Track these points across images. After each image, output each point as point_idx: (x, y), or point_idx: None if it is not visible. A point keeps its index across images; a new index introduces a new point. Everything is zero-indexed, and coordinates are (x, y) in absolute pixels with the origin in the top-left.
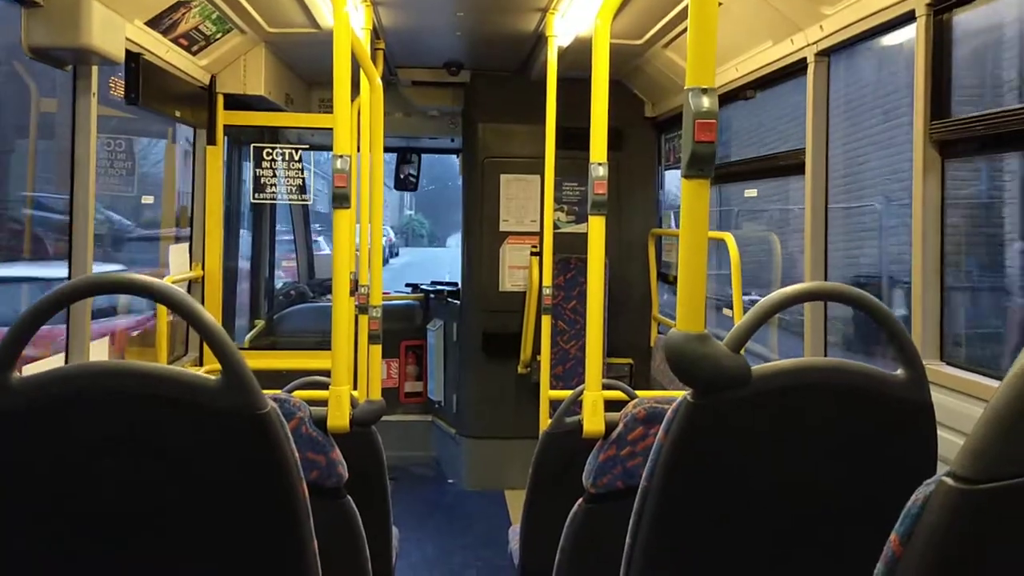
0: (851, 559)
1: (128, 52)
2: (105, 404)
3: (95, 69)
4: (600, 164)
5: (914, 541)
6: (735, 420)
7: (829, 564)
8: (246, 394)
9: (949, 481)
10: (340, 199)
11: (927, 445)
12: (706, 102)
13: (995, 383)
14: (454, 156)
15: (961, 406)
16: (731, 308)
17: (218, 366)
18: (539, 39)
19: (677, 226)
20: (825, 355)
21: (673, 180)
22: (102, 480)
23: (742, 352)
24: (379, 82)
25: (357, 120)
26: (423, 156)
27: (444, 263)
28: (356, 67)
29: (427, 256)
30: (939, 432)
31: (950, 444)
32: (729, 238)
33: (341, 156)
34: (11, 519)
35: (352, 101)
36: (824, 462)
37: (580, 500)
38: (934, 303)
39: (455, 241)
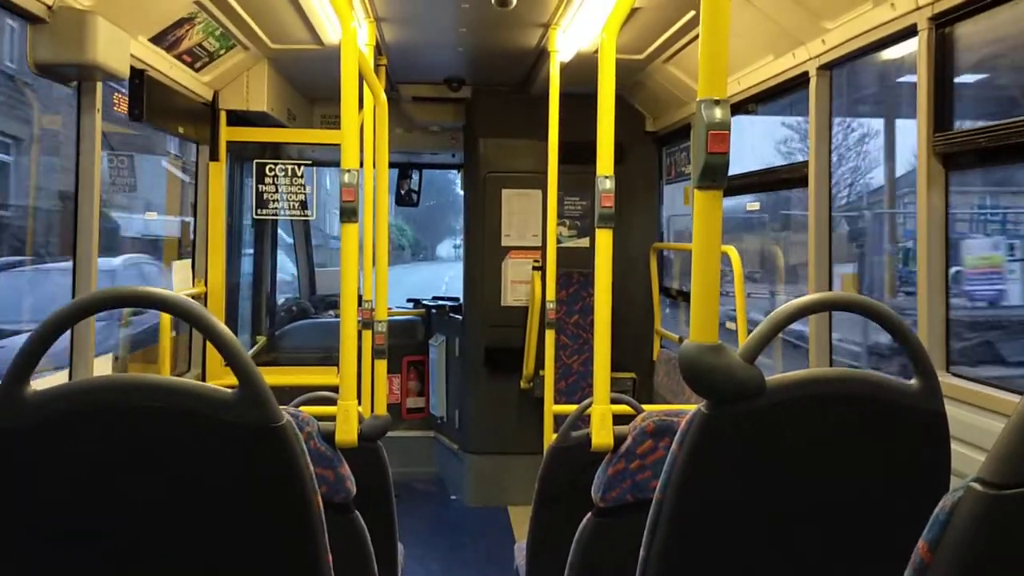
0: (869, 567)
1: (132, 68)
2: (120, 418)
3: (99, 85)
4: (607, 177)
5: (943, 547)
6: (749, 431)
7: (848, 573)
8: (262, 407)
9: (977, 487)
10: (348, 213)
11: (941, 454)
12: (719, 113)
13: (1000, 393)
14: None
15: (967, 416)
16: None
17: (222, 382)
18: (541, 54)
19: (678, 240)
20: (831, 365)
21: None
22: (116, 494)
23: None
24: (384, 98)
25: (360, 135)
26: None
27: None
28: (360, 82)
29: (407, 282)
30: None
31: (956, 454)
32: (732, 251)
33: (348, 171)
34: (26, 534)
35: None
36: (839, 471)
37: (589, 514)
38: (939, 314)
39: (448, 251)
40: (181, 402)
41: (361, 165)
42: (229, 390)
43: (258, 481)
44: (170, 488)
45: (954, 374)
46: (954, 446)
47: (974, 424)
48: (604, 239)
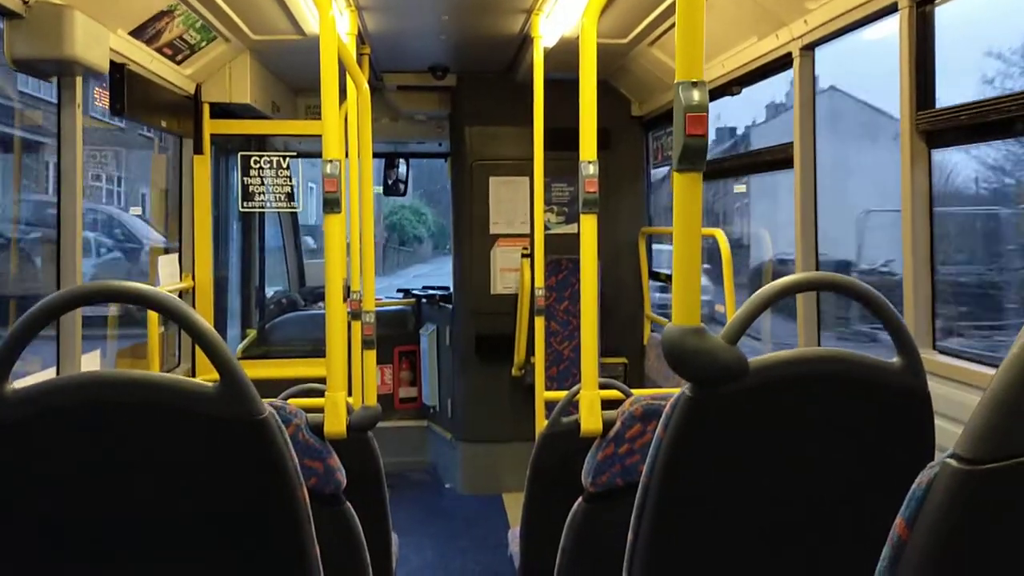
0: (854, 546)
1: (112, 62)
2: (101, 415)
3: (79, 80)
4: (590, 162)
5: (919, 524)
6: (734, 413)
7: (833, 552)
8: (243, 400)
9: (953, 463)
10: (331, 204)
11: (925, 431)
12: (696, 95)
13: (987, 370)
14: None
15: (954, 393)
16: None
17: (212, 376)
18: (524, 40)
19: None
20: (818, 345)
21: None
22: (99, 490)
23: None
24: (366, 87)
25: (344, 125)
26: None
27: None
28: (342, 72)
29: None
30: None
31: (943, 431)
32: (719, 234)
33: (331, 161)
34: (7, 533)
35: (340, 106)
36: (823, 451)
37: (579, 499)
38: (925, 293)
39: None
40: (162, 397)
41: (346, 155)
42: (211, 384)
43: (242, 474)
44: (153, 483)
45: (940, 351)
46: (941, 423)
47: (961, 400)
48: (589, 225)
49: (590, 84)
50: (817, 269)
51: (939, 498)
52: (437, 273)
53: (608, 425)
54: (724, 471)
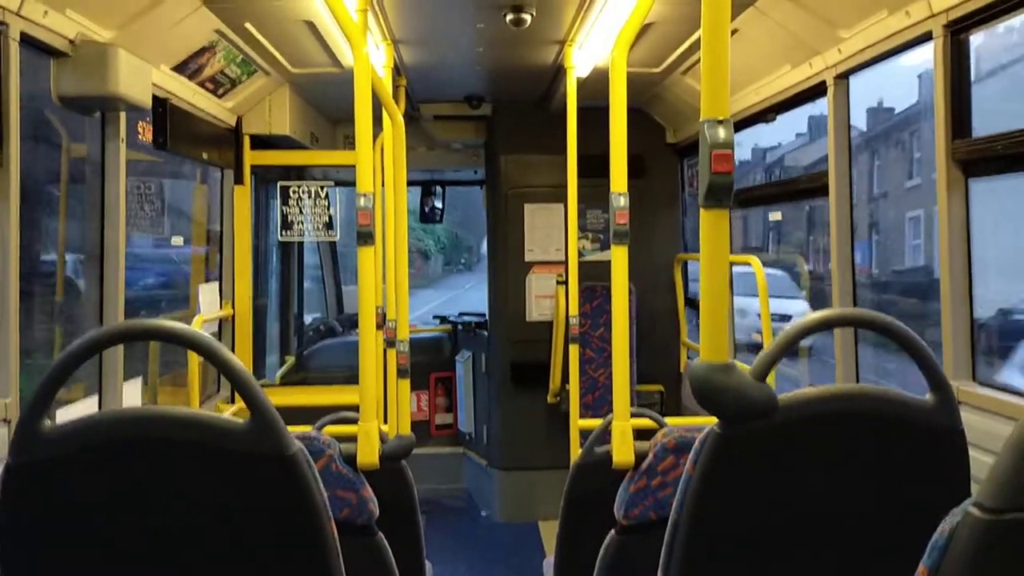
0: None
1: (155, 97)
2: (135, 451)
3: (123, 115)
4: (621, 195)
5: (942, 572)
6: (763, 450)
7: None
8: (273, 437)
9: (975, 512)
10: (364, 237)
11: (958, 470)
12: (722, 133)
13: None
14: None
15: (994, 426)
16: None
17: None
18: (558, 71)
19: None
20: (857, 382)
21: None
22: (133, 525)
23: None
24: (400, 119)
25: (380, 156)
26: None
27: None
28: (378, 104)
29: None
30: (973, 453)
31: (984, 465)
32: (755, 261)
33: (364, 194)
34: (46, 568)
35: (375, 137)
36: (854, 490)
37: (612, 532)
38: (964, 323)
39: None
40: (193, 434)
41: (383, 185)
42: (241, 421)
43: (271, 509)
44: (185, 517)
45: (980, 383)
46: (984, 457)
47: (1001, 434)
48: (619, 255)
49: (620, 118)
50: (855, 304)
51: (961, 547)
52: (445, 309)
53: (641, 456)
54: (754, 508)
